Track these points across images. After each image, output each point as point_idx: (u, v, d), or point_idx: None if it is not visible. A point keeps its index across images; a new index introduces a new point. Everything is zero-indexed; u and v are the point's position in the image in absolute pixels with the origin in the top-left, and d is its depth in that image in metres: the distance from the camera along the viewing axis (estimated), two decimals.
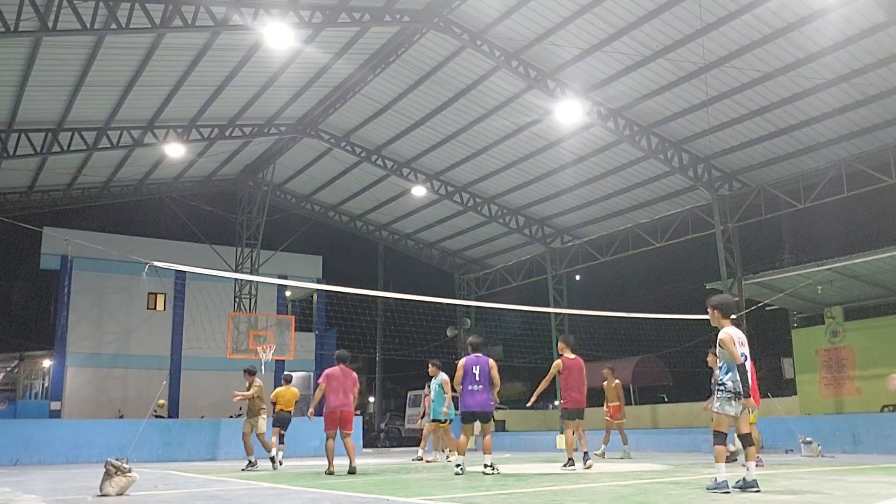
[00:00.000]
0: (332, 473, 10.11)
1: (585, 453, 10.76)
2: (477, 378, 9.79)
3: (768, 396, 17.03)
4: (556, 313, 22.37)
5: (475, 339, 10.25)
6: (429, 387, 14.45)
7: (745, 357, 6.57)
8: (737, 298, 17.10)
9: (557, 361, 10.92)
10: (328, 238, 33.55)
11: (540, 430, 26.19)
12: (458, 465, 9.68)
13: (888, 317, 19.44)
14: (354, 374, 10.80)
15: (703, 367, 11.77)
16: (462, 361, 9.91)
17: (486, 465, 9.54)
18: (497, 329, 31.35)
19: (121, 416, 24.71)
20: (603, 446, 15.01)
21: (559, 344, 11.34)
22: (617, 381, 15.07)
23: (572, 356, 10.94)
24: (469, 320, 27.13)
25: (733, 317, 6.94)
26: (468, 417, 9.86)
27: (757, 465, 11.56)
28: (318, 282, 30.37)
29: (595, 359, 25.62)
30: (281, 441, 13.59)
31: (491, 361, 9.95)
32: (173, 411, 26.28)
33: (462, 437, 10.04)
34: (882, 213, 24.87)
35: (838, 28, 13.29)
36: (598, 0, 13.86)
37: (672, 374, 29.87)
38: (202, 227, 26.64)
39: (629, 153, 18.73)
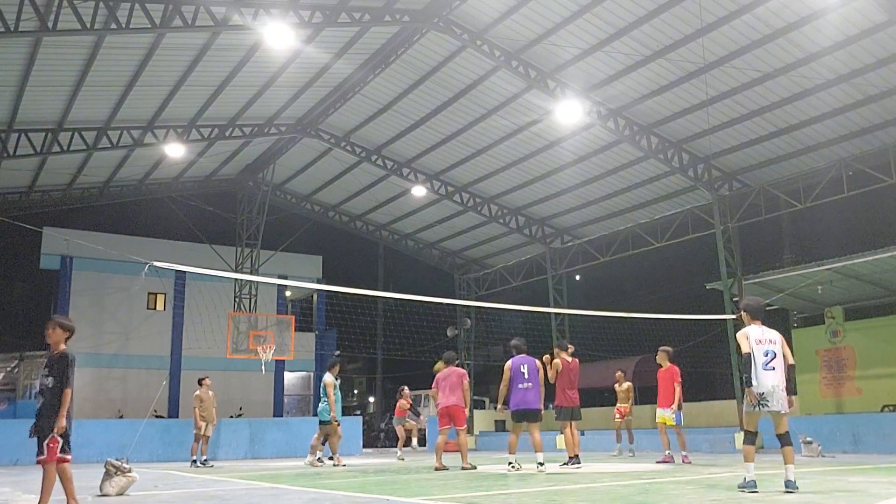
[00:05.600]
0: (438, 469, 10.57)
1: (576, 456, 10.85)
2: (526, 377, 10.16)
3: None
4: (556, 313, 22.36)
5: (518, 342, 10.56)
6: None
7: (769, 354, 6.45)
8: (737, 299, 17.11)
9: (556, 361, 11.14)
10: (328, 238, 33.53)
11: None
12: (509, 463, 10.12)
13: (888, 317, 19.41)
14: (458, 369, 11.29)
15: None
16: (509, 363, 10.28)
17: (539, 464, 9.82)
18: (497, 329, 31.33)
19: (121, 416, 24.70)
20: (619, 445, 15.21)
21: (556, 349, 11.53)
22: (628, 383, 15.29)
23: (569, 358, 11.30)
24: (469, 320, 27.10)
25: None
26: (518, 416, 10.24)
27: (684, 460, 11.65)
28: (318, 282, 30.31)
29: (596, 359, 25.62)
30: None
31: (538, 362, 10.35)
32: (173, 411, 26.27)
33: (512, 436, 10.42)
34: (882, 213, 24.89)
35: (838, 28, 13.29)
36: (598, 0, 13.87)
37: None
38: (202, 227, 26.64)
39: (629, 153, 18.73)
